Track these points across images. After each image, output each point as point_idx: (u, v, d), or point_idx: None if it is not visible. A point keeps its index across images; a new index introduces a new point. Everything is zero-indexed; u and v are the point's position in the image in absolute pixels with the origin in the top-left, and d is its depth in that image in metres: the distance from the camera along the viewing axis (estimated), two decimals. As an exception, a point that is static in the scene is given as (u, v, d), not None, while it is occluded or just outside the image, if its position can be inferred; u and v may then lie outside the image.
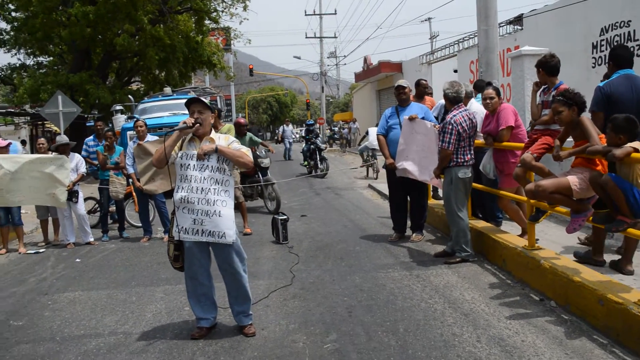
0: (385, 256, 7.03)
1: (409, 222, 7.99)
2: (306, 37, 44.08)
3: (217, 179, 4.53)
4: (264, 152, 11.08)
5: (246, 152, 4.63)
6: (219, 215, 4.49)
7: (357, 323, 4.77)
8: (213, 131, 4.71)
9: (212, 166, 4.53)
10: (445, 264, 6.40)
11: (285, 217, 8.25)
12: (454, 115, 6.46)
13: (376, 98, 31.57)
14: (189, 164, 4.53)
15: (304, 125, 22.91)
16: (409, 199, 7.92)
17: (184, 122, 4.48)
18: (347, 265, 6.73)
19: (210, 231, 4.49)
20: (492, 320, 4.66)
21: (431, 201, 8.75)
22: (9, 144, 9.16)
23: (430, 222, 8.55)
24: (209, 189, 4.50)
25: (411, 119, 7.29)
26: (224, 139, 4.67)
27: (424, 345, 4.24)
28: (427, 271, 6.21)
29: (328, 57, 56.59)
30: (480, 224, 7.16)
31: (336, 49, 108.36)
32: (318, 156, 18.18)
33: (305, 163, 19.00)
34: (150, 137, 9.01)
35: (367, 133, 19.47)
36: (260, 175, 10.91)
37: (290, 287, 5.92)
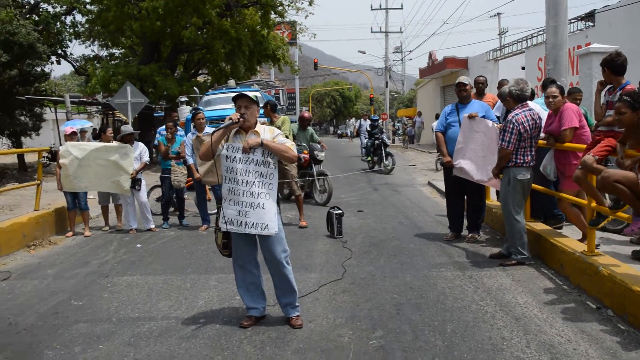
0: (439, 255, 6.95)
1: (466, 222, 7.86)
2: (372, 32, 43.87)
3: (261, 172, 4.59)
4: (319, 146, 11.19)
5: (290, 147, 4.66)
6: (262, 208, 4.56)
7: (404, 321, 4.74)
8: (259, 124, 4.76)
9: (257, 160, 4.59)
10: (500, 266, 6.26)
11: (340, 211, 8.27)
12: (516, 114, 6.27)
13: (440, 94, 31.12)
14: (235, 157, 4.61)
15: (368, 120, 23.03)
16: (466, 197, 7.78)
17: (230, 118, 4.56)
18: (399, 262, 6.68)
19: (253, 223, 4.55)
20: (544, 326, 4.53)
21: (489, 201, 8.57)
22: (75, 132, 9.57)
23: (488, 222, 8.38)
24: (254, 181, 4.57)
25: (471, 117, 7.15)
26: (269, 131, 4.72)
27: (471, 347, 4.17)
28: (481, 272, 6.09)
29: (393, 52, 56.21)
30: (539, 226, 6.95)
31: (402, 43, 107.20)
32: (383, 152, 18.09)
33: (368, 158, 18.95)
34: (208, 129, 9.19)
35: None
36: (314, 168, 11.03)
37: (340, 282, 5.93)
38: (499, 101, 7.86)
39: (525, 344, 4.19)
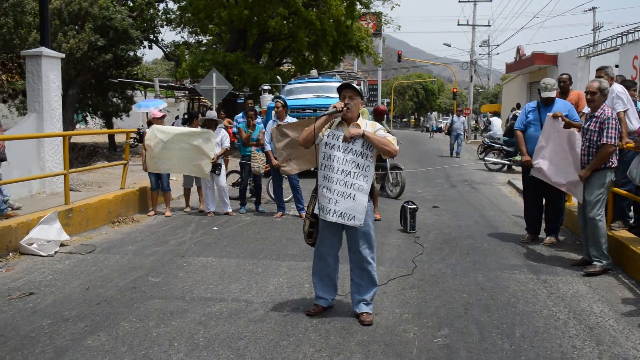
0: (513, 256, 6.77)
1: (544, 224, 7.61)
2: (458, 25, 42.86)
3: (358, 163, 4.60)
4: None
5: (392, 141, 4.65)
6: (353, 199, 4.57)
7: (472, 321, 4.67)
8: (360, 117, 4.78)
9: (356, 150, 4.60)
10: (586, 275, 5.95)
11: (414, 206, 8.21)
12: (612, 111, 6.07)
13: (527, 91, 30.07)
14: (334, 144, 4.64)
15: (462, 116, 23.03)
16: (545, 199, 7.53)
17: (334, 107, 4.60)
18: (471, 261, 6.57)
19: (341, 212, 4.58)
20: (619, 338, 4.34)
21: (570, 203, 8.25)
22: (164, 115, 9.95)
23: (567, 225, 8.08)
24: (349, 171, 4.59)
25: (555, 116, 6.88)
26: (371, 125, 4.72)
27: (539, 354, 4.05)
28: (556, 277, 5.89)
29: (480, 46, 54.81)
30: (623, 233, 6.64)
31: (489, 37, 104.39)
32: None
33: (516, 159, 18.83)
34: (289, 119, 9.32)
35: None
36: (387, 161, 11.10)
37: (410, 277, 5.90)
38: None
39: (598, 355, 4.03)
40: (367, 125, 4.70)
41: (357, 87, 4.77)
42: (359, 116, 4.74)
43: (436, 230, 8.30)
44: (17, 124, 11.49)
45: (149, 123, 9.98)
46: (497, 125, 20.52)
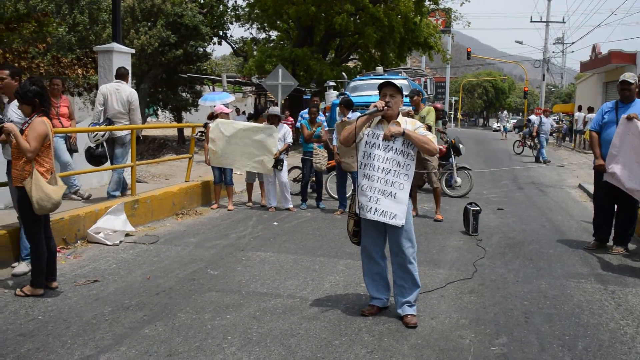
0: (580, 264, 6.48)
1: (613, 231, 7.24)
2: (531, 21, 41.69)
3: (399, 162, 4.54)
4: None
5: (432, 139, 4.57)
6: (394, 197, 4.52)
7: (532, 330, 4.49)
8: (400, 115, 4.71)
9: (396, 148, 4.55)
10: None
11: (477, 208, 7.99)
12: None
13: (602, 91, 28.84)
14: (375, 143, 4.60)
15: (550, 117, 22.88)
16: (617, 205, 7.16)
17: (375, 106, 4.55)
18: (535, 267, 6.34)
19: (383, 211, 4.53)
20: (692, 356, 4.08)
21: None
22: (231, 111, 10.11)
23: (640, 233, 7.68)
24: (390, 169, 4.54)
25: (629, 118, 6.52)
26: (411, 123, 4.65)
27: (603, 368, 3.86)
28: (625, 289, 5.59)
29: (553, 44, 53.04)
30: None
31: (563, 34, 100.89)
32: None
33: None
34: (352, 115, 9.27)
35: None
36: (453, 159, 11.06)
37: (469, 281, 5.75)
38: None
39: (668, 373, 3.80)
40: (407, 123, 4.64)
41: (398, 84, 4.68)
42: (398, 114, 4.67)
43: (500, 233, 8.06)
44: (89, 117, 11.95)
45: (211, 117, 10.14)
46: (537, 123, 21.42)
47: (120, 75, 8.58)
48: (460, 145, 11.64)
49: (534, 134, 20.15)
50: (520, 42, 46.49)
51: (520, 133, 25.58)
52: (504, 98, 73.14)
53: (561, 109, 44.19)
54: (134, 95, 8.41)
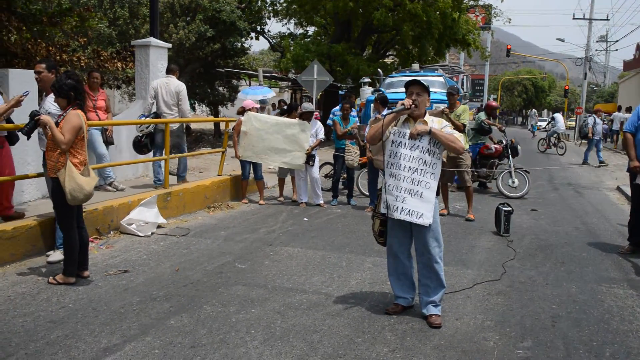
0: (613, 269, 6.33)
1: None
2: (573, 18, 40.60)
3: (425, 160, 4.52)
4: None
5: (458, 138, 4.53)
6: (421, 196, 4.50)
7: (558, 335, 4.41)
8: (427, 114, 4.67)
9: (422, 147, 4.53)
10: None
11: (510, 208, 7.87)
12: None
13: (647, 91, 28.12)
14: (401, 142, 4.58)
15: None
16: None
17: (402, 104, 4.53)
18: (566, 270, 6.22)
19: (409, 210, 4.51)
20: None
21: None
22: (254, 108, 10.21)
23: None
24: (416, 168, 4.52)
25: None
26: (437, 122, 4.62)
27: (630, 375, 3.77)
28: (660, 294, 5.46)
29: (597, 41, 51.90)
30: None
31: (607, 32, 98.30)
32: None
33: None
34: (387, 112, 9.21)
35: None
36: (511, 158, 11.23)
37: (497, 283, 5.68)
38: None
39: (698, 384, 3.70)
40: (433, 122, 4.61)
41: (425, 83, 4.64)
42: (425, 113, 4.63)
43: (532, 235, 7.93)
44: (126, 110, 12.17)
45: (241, 112, 10.22)
46: (561, 122, 22.41)
47: (170, 70, 9.40)
48: (519, 147, 11.57)
49: (589, 135, 18.53)
50: (562, 40, 45.45)
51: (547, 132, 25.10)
52: (544, 96, 71.77)
53: (603, 108, 43.16)
54: (182, 87, 9.21)
